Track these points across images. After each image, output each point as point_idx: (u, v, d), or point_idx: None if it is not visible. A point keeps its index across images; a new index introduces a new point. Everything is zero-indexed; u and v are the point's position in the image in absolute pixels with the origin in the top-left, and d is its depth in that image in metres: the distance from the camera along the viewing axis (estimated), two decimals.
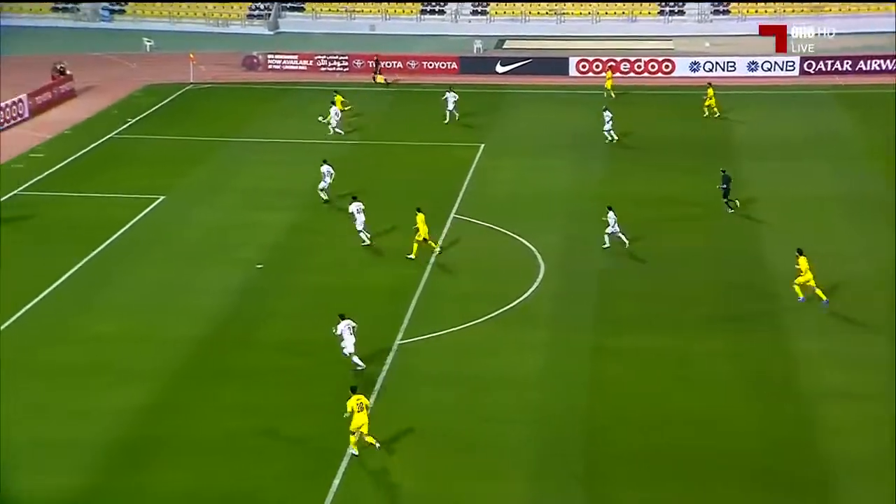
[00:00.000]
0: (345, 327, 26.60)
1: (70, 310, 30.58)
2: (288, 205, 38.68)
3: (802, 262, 29.92)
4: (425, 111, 50.85)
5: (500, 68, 61.47)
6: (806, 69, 59.44)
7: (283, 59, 62.84)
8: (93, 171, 43.64)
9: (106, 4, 75.90)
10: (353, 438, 23.16)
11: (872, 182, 40.75)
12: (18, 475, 22.62)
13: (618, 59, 60.71)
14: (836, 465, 22.88)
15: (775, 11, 69.44)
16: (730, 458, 23.22)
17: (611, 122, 46.07)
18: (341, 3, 73.57)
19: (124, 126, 50.25)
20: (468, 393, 26.00)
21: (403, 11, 73.67)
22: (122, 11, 75.75)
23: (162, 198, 39.77)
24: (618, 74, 59.44)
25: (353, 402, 23.17)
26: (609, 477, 22.70)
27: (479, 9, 73.11)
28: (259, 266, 33.40)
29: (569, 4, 71.84)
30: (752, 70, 59.64)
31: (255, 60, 63.14)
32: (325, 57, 62.32)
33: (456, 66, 61.86)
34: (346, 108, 49.45)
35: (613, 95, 54.27)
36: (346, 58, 62.22)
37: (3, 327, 29.20)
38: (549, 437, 24.06)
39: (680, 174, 41.81)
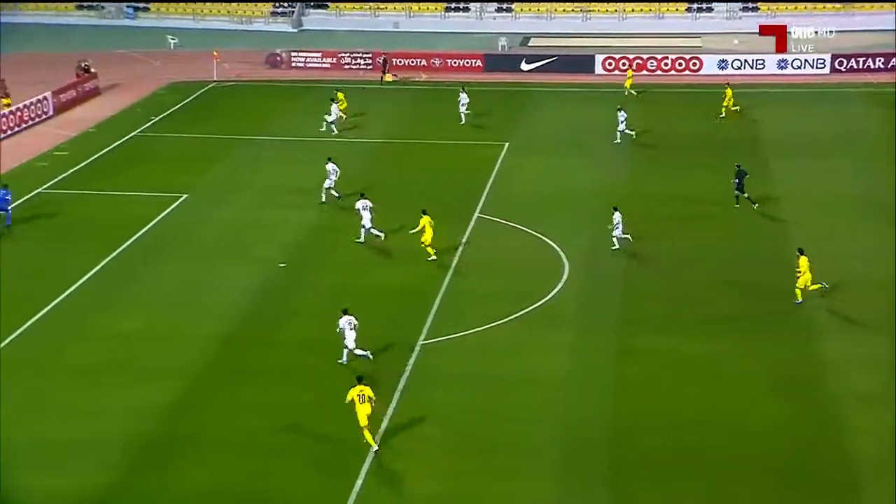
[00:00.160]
0: (346, 323, 26.68)
1: (93, 308, 30.82)
2: (310, 203, 38.79)
3: (803, 263, 29.84)
4: (449, 109, 50.83)
5: (525, 66, 61.40)
6: (837, 67, 59.00)
7: (306, 57, 63.07)
8: (116, 170, 43.97)
9: (130, 3, 76.44)
10: (367, 434, 23.18)
11: None
12: (42, 472, 22.81)
13: (644, 56, 60.50)
14: (861, 466, 22.71)
15: (805, 8, 68.95)
16: (755, 460, 23.09)
17: (625, 122, 45.84)
18: (365, 1, 73.72)
19: (148, 124, 50.61)
20: (492, 393, 25.98)
21: (428, 9, 73.73)
22: (146, 9, 76.28)
23: (185, 196, 40.01)
24: (644, 72, 59.30)
25: (353, 392, 23.08)
26: (634, 478, 22.62)
27: (505, 6, 73.04)
28: (282, 265, 33.53)
29: (594, 2, 71.61)
30: (782, 68, 59.23)
31: (278, 58, 63.40)
32: (348, 54, 62.50)
33: (480, 64, 61.84)
34: (342, 109, 49.39)
35: (635, 93, 54.10)
36: (370, 55, 62.34)
37: (26, 326, 29.46)
38: (573, 438, 24.01)
39: (705, 173, 41.55)
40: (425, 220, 33.09)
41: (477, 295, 31.47)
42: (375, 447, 23.21)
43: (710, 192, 39.27)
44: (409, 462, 23.14)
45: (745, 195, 37.50)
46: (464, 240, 35.39)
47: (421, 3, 73.64)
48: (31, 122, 50.05)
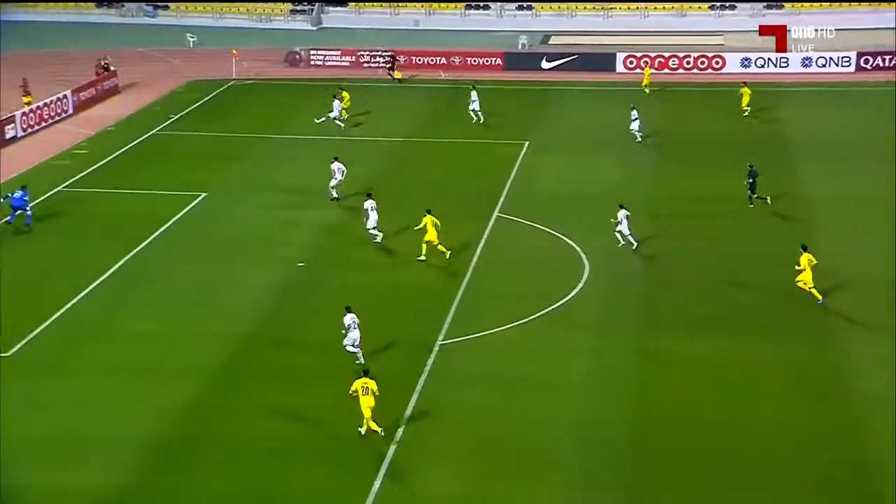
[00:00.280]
0: (351, 321, 26.81)
1: (111, 307, 30.95)
2: (328, 202, 38.80)
3: (804, 260, 29.67)
4: (468, 108, 50.71)
5: (545, 64, 61.23)
6: (863, 65, 58.49)
7: (325, 55, 63.14)
8: (135, 168, 44.18)
9: (150, 1, 76.80)
10: (372, 424, 23.55)
11: None
12: (57, 471, 22.93)
13: (666, 55, 60.21)
14: (886, 471, 22.46)
15: (830, 6, 68.44)
16: (778, 464, 22.93)
17: (638, 122, 45.62)
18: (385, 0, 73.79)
19: (167, 122, 50.83)
20: (510, 395, 25.90)
21: (448, 7, 73.68)
22: (165, 7, 76.61)
23: (203, 194, 40.14)
24: (666, 70, 59.04)
25: (358, 383, 23.53)
26: (654, 481, 22.50)
27: (525, 4, 72.88)
28: (300, 264, 33.58)
29: (616, 1, 71.34)
30: (807, 66, 58.78)
31: (297, 56, 63.51)
32: (368, 53, 62.51)
33: (500, 63, 61.73)
34: (345, 107, 49.31)
35: (647, 92, 53.90)
36: (390, 53, 62.32)
37: (45, 325, 29.61)
38: (593, 441, 23.91)
39: (727, 172, 41.15)
40: (428, 220, 32.98)
41: (496, 295, 31.40)
42: (381, 432, 23.54)
43: (731, 191, 39.00)
44: (426, 463, 23.12)
45: (756, 195, 37.40)
46: (483, 239, 35.30)
47: (441, 2, 73.61)
48: (51, 121, 50.36)
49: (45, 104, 50.31)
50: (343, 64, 62.49)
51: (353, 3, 74.70)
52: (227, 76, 59.24)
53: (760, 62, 59.28)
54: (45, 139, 48.22)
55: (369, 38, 67.89)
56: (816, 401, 25.47)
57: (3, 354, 27.88)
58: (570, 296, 31.05)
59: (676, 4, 70.47)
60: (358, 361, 26.70)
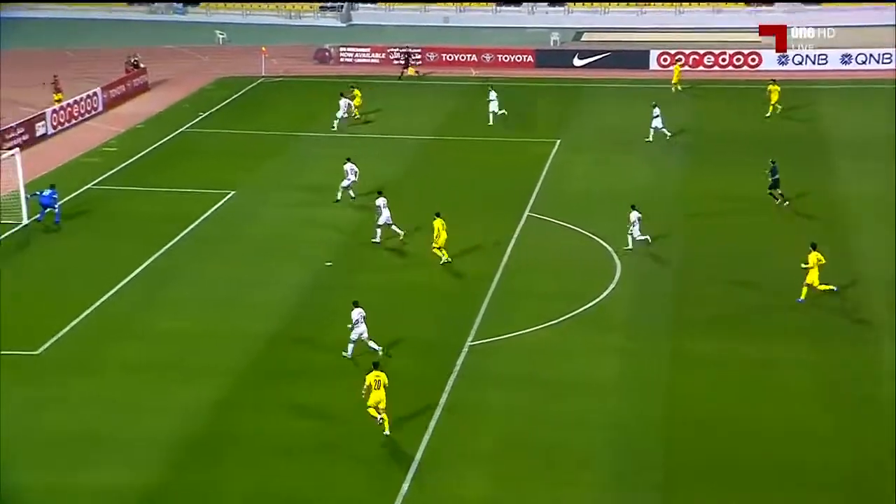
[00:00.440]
0: (358, 315, 27.01)
1: (139, 305, 31.17)
2: (357, 201, 38.84)
3: (812, 258, 29.45)
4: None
5: (577, 62, 61.02)
6: None
7: (355, 52, 63.29)
8: (164, 166, 44.50)
9: None
10: (373, 412, 23.79)
11: None
12: (84, 470, 23.11)
13: (701, 52, 59.80)
14: None
15: (869, 3, 67.67)
16: (812, 470, 22.75)
17: (660, 119, 45.31)
18: None
19: (196, 120, 51.16)
20: (541, 397, 25.83)
21: (479, 3, 73.61)
22: (195, 3, 77.09)
23: (232, 193, 40.35)
24: (701, 68, 58.67)
25: (371, 377, 23.82)
26: (687, 486, 22.36)
27: (557, 0, 72.65)
28: (328, 264, 33.67)
29: None
30: (846, 63, 58.18)
31: (326, 53, 63.71)
32: (397, 50, 62.57)
33: (532, 60, 61.60)
34: (356, 105, 49.36)
35: (679, 88, 53.59)
36: (420, 50, 62.38)
37: (74, 323, 29.88)
38: (625, 445, 23.80)
39: (759, 171, 40.78)
40: (438, 224, 32.73)
41: (527, 295, 31.33)
42: (379, 419, 23.87)
43: (762, 190, 38.63)
44: (455, 466, 23.10)
45: (779, 191, 37.28)
46: (513, 238, 35.24)
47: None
48: (81, 118, 50.83)
49: (75, 101, 50.79)
50: (373, 61, 62.59)
51: (383, 1, 74.79)
52: (256, 73, 59.54)
53: (798, 59, 58.73)
54: (74, 136, 48.69)
55: (399, 34, 67.95)
56: (849, 405, 25.18)
57: (32, 353, 28.16)
58: (601, 296, 30.91)
59: (712, 3, 69.97)
60: (375, 349, 26.94)
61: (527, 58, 61.74)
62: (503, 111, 48.68)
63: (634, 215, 33.61)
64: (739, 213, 37.39)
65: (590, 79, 58.48)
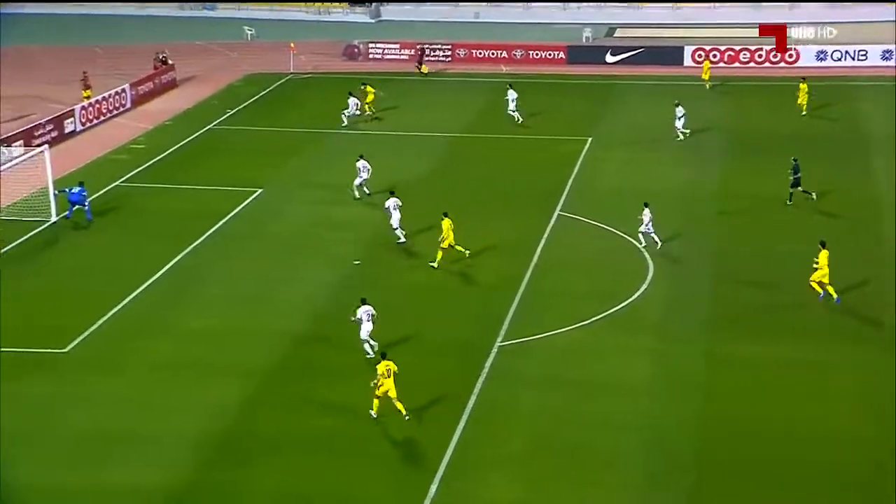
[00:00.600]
0: (363, 313, 27.05)
1: (167, 303, 31.41)
2: (385, 199, 38.86)
3: (822, 257, 29.28)
4: (530, 103, 50.63)
5: (610, 58, 60.84)
6: None
7: (384, 48, 63.43)
8: (192, 163, 44.84)
9: None
10: (376, 402, 24.12)
11: None
12: (111, 468, 23.31)
13: (737, 48, 59.40)
14: None
15: None
16: (849, 476, 22.53)
17: (683, 119, 45.04)
18: None
19: (224, 116, 51.51)
20: (572, 398, 25.81)
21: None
22: None
23: (260, 190, 40.60)
24: (736, 64, 58.29)
25: (381, 367, 24.15)
26: (720, 490, 22.25)
27: None
28: (357, 262, 33.80)
29: None
30: (887, 59, 57.57)
31: (355, 50, 63.90)
32: (427, 46, 62.63)
33: (563, 56, 61.48)
34: (368, 101, 49.39)
35: (708, 87, 53.30)
36: (450, 47, 62.42)
37: (102, 321, 30.13)
38: (658, 447, 23.72)
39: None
40: (446, 224, 32.60)
41: (557, 295, 31.29)
42: (375, 414, 24.24)
43: (795, 189, 38.36)
44: (484, 468, 23.11)
45: (800, 189, 37.20)
46: (544, 237, 35.18)
47: None
48: (109, 115, 51.32)
49: (104, 98, 51.28)
50: (402, 57, 62.69)
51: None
52: (284, 70, 59.85)
53: (837, 55, 58.22)
54: (103, 133, 49.18)
55: (429, 31, 68.04)
56: (889, 409, 24.87)
57: (60, 351, 28.49)
58: (633, 297, 30.82)
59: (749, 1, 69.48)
60: (368, 356, 27.02)
61: (558, 54, 61.61)
62: (518, 112, 48.24)
63: (647, 213, 33.46)
64: (772, 212, 37.20)
65: (622, 75, 58.28)
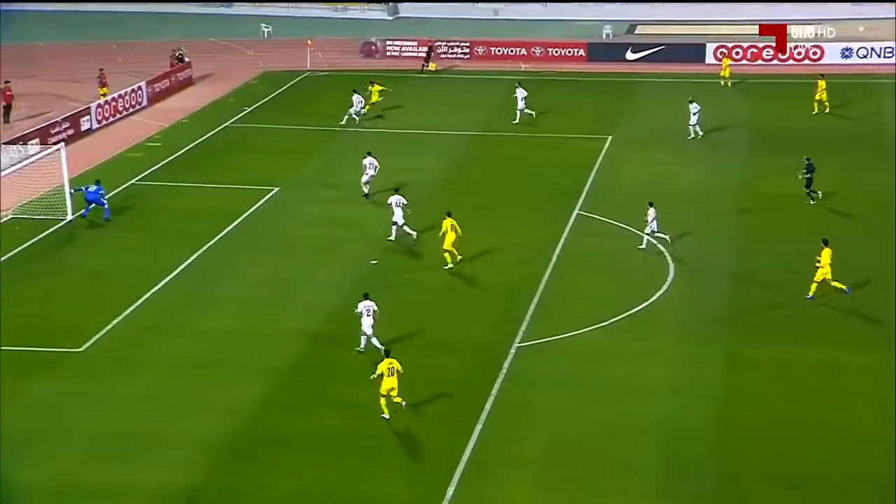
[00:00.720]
0: (364, 308, 27.17)
1: (181, 303, 31.53)
2: (406, 197, 38.89)
3: (824, 255, 29.22)
4: (549, 101, 50.59)
5: (630, 55, 60.70)
6: None
7: (401, 46, 63.46)
8: (208, 161, 44.99)
9: None
10: (383, 401, 24.27)
11: None
12: (125, 468, 23.42)
13: (760, 45, 59.10)
14: None
15: None
16: (871, 482, 22.37)
17: (697, 116, 44.87)
18: None
19: (240, 114, 51.68)
20: (591, 401, 25.76)
21: None
22: None
23: (276, 189, 40.71)
24: (759, 62, 58.01)
25: (384, 365, 24.35)
26: (741, 497, 22.16)
27: None
28: (373, 262, 33.85)
29: None
30: None
31: (373, 47, 63.98)
32: (445, 43, 62.66)
33: (583, 54, 61.37)
34: (373, 101, 49.41)
35: (730, 85, 53.10)
36: (468, 44, 62.41)
37: (118, 320, 30.30)
38: (676, 451, 23.64)
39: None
40: (448, 224, 32.46)
41: (576, 296, 31.25)
42: (387, 416, 24.36)
43: (814, 189, 38.15)
44: (501, 471, 23.10)
45: (810, 190, 37.13)
46: (562, 238, 35.13)
47: None
48: (125, 113, 51.57)
49: (120, 95, 51.54)
50: (420, 55, 62.66)
51: None
52: (301, 67, 59.99)
53: (863, 52, 57.86)
54: (119, 131, 49.43)
55: (447, 27, 68.03)
56: None
57: (75, 350, 28.67)
58: (653, 298, 30.74)
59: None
60: (358, 349, 27.29)
61: (578, 51, 61.50)
62: (529, 111, 48.09)
63: (651, 212, 33.36)
64: (793, 212, 37.02)
65: (643, 73, 58.12)
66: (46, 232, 36.83)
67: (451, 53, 62.36)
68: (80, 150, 44.47)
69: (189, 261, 34.29)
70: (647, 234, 33.51)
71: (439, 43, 62.74)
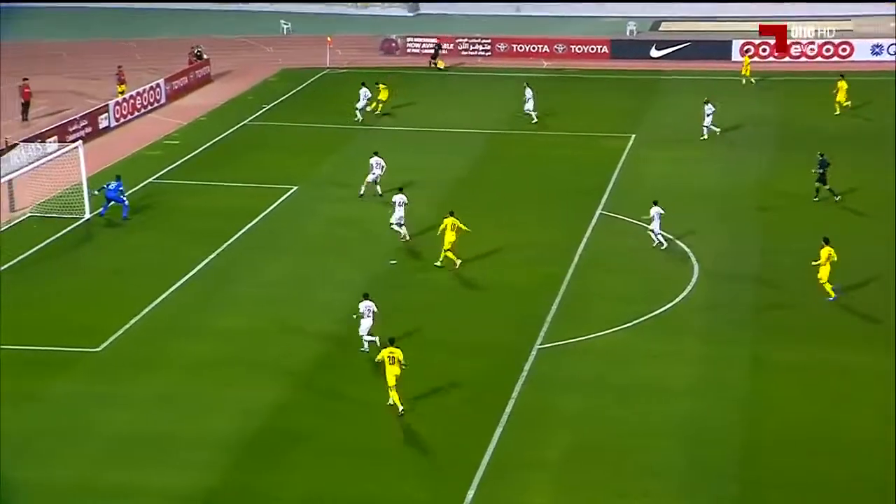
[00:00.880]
0: (365, 308, 27.31)
1: (199, 303, 31.68)
2: (422, 197, 38.87)
3: (823, 253, 29.25)
4: (572, 99, 50.53)
5: (654, 52, 60.51)
6: None
7: (422, 43, 63.45)
8: (226, 160, 45.17)
9: None
10: (394, 395, 24.46)
11: None
12: (142, 469, 23.57)
13: (787, 41, 58.65)
14: None
15: None
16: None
17: (711, 117, 44.69)
18: None
19: (259, 112, 51.87)
20: (612, 403, 25.74)
21: None
22: None
23: (295, 188, 40.85)
24: (787, 59, 57.68)
25: (384, 353, 24.49)
26: (765, 499, 22.11)
27: None
28: (392, 262, 33.91)
29: None
30: None
31: (393, 44, 64.05)
32: (466, 40, 62.66)
33: (607, 51, 61.23)
34: (382, 98, 49.43)
35: (753, 81, 52.85)
36: (489, 41, 62.39)
37: (135, 320, 30.45)
38: (699, 454, 23.59)
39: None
40: (448, 222, 32.34)
41: (598, 297, 31.22)
42: (401, 409, 24.34)
43: (841, 188, 37.92)
44: (522, 474, 23.11)
45: (827, 187, 37.00)
46: (584, 238, 35.08)
47: None
48: (143, 110, 51.87)
49: (138, 93, 51.85)
50: (441, 53, 62.63)
51: None
52: (320, 64, 60.14)
53: (894, 49, 57.36)
54: (137, 129, 49.72)
55: (468, 24, 68.05)
56: None
57: (93, 350, 28.87)
58: (677, 300, 30.66)
59: None
60: (363, 350, 27.29)
61: (601, 48, 61.36)
62: (530, 112, 47.92)
63: (655, 211, 33.26)
64: (819, 212, 36.77)
65: (668, 70, 57.95)
66: (64, 230, 37.09)
67: (473, 51, 62.33)
68: (98, 148, 44.74)
69: (207, 260, 34.47)
70: (652, 230, 33.38)
71: (460, 40, 62.78)
